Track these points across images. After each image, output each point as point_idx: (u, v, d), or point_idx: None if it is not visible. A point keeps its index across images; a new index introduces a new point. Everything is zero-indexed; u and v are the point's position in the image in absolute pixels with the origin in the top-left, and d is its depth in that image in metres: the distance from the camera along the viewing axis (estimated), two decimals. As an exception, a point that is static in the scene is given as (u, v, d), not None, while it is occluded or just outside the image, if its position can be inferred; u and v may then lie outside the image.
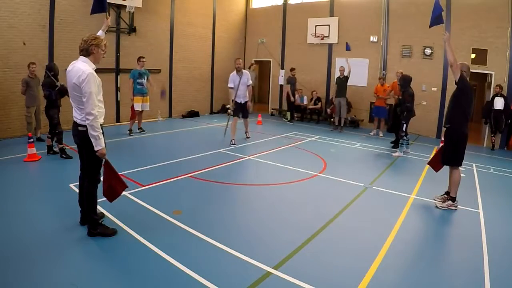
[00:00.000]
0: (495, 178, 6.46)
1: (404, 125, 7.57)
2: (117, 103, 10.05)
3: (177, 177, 5.45)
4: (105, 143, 3.28)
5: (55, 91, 6.07)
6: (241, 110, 8.05)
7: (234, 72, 7.89)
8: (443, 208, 4.60)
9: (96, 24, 9.14)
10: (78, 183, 3.67)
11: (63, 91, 6.09)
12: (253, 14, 14.28)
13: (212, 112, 13.25)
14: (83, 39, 3.22)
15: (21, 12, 7.66)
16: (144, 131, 8.86)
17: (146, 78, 8.49)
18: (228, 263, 3.10)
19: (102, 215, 3.82)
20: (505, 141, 9.20)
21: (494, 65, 9.10)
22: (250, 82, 8.05)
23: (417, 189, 5.42)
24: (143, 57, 8.52)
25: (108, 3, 9.10)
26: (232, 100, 7.97)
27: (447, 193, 4.77)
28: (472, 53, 9.34)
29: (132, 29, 9.93)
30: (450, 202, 4.62)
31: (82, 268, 2.96)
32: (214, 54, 13.06)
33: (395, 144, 8.31)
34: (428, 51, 10.08)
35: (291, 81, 11.66)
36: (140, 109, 8.52)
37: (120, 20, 9.62)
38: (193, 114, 12.17)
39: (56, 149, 6.39)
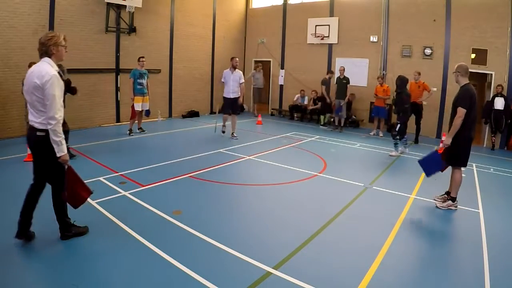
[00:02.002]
0: (495, 178, 6.46)
1: (398, 125, 7.50)
2: (117, 103, 10.05)
3: (177, 177, 5.45)
4: (67, 148, 3.11)
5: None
6: (231, 106, 8.43)
7: (228, 69, 8.42)
8: (443, 208, 4.60)
9: (96, 24, 9.18)
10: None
11: (72, 89, 6.18)
12: (253, 14, 14.28)
13: (212, 112, 13.25)
14: (39, 41, 3.01)
15: (21, 12, 7.66)
16: (144, 131, 8.86)
17: (146, 78, 8.50)
18: (228, 263, 3.10)
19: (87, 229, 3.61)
20: (505, 141, 9.20)
21: (494, 65, 9.10)
22: (242, 80, 8.48)
23: (417, 189, 5.42)
24: (143, 57, 8.52)
25: (108, 3, 9.16)
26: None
27: (448, 193, 4.76)
28: (472, 53, 9.33)
29: (132, 29, 9.92)
30: (450, 202, 4.62)
31: (82, 268, 2.96)
32: (214, 54, 13.06)
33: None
34: (428, 51, 10.07)
35: (326, 83, 11.01)
36: (140, 109, 8.53)
37: (120, 20, 9.61)
38: (193, 114, 12.17)
39: None
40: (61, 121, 2.97)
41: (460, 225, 4.29)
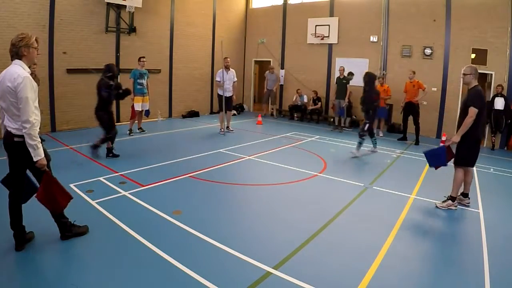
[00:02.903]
0: (495, 178, 6.45)
1: (367, 125, 7.30)
2: (117, 103, 10.03)
3: (177, 177, 5.45)
4: (45, 152, 2.99)
5: (113, 91, 6.06)
6: (226, 104, 9.10)
7: (222, 69, 8.98)
8: (443, 208, 4.60)
9: (96, 24, 9.18)
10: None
11: (125, 92, 6.27)
12: (253, 14, 14.28)
13: (212, 112, 13.24)
14: (11, 43, 2.90)
15: (21, 12, 7.66)
16: (144, 131, 8.86)
17: (146, 78, 8.51)
18: (228, 263, 3.10)
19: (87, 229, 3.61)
20: (505, 141, 9.20)
21: (494, 65, 9.09)
22: (235, 79, 9.28)
23: (417, 189, 5.42)
24: (144, 57, 8.53)
25: (108, 3, 9.16)
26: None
27: (464, 194, 4.77)
28: (472, 53, 9.33)
29: (132, 29, 9.91)
30: (450, 202, 4.62)
31: (82, 268, 2.97)
32: (214, 54, 13.06)
33: (403, 139, 9.25)
34: (428, 51, 10.07)
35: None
36: (140, 109, 8.53)
37: (120, 20, 9.61)
38: (193, 114, 12.17)
39: (114, 151, 6.46)
40: (37, 124, 2.87)
41: (460, 225, 4.29)
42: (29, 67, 3.00)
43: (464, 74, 4.53)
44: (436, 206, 4.66)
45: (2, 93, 2.85)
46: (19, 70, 2.84)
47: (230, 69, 9.10)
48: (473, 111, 4.29)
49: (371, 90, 7.31)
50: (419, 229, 4.11)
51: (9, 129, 2.93)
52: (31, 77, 2.89)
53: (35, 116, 2.86)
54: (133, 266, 2.99)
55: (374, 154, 7.79)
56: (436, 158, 4.69)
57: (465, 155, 4.52)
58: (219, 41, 13.08)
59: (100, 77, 6.11)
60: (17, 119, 2.85)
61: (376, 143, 7.89)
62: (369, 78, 7.35)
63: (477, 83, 4.50)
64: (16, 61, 2.91)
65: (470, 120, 4.31)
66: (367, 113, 7.45)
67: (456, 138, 4.46)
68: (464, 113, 4.43)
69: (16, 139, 2.89)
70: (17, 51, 2.89)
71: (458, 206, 4.63)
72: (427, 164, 4.88)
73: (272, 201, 4.76)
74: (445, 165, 4.69)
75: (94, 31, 9.15)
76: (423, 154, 4.90)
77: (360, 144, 7.40)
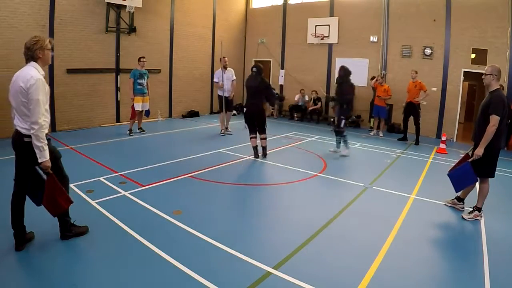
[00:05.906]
0: (495, 178, 6.39)
1: (343, 121, 7.04)
2: (117, 103, 10.06)
3: (177, 177, 5.45)
4: (54, 150, 3.04)
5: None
6: (225, 104, 9.04)
7: (219, 69, 8.99)
8: (470, 219, 4.35)
9: (96, 24, 9.18)
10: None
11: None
12: (253, 14, 14.29)
13: (212, 112, 13.25)
14: (25, 46, 2.95)
15: (21, 12, 7.66)
16: (144, 131, 8.86)
17: (146, 78, 8.51)
18: (228, 263, 3.10)
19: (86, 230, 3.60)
20: (505, 141, 9.20)
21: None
22: (234, 77, 9.15)
23: (417, 189, 5.42)
24: (144, 57, 8.53)
25: (108, 3, 9.16)
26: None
27: (458, 198, 4.69)
28: (472, 53, 9.34)
29: (132, 29, 9.92)
30: (477, 212, 4.36)
31: (82, 267, 2.97)
32: (214, 54, 13.06)
33: (403, 139, 9.21)
34: (428, 51, 10.08)
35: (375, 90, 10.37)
36: (140, 109, 8.53)
37: (120, 20, 9.62)
38: (193, 114, 12.18)
39: None
40: (46, 126, 2.89)
41: (460, 225, 4.28)
42: None
43: (485, 74, 4.23)
44: (463, 218, 4.39)
45: (14, 93, 2.90)
46: (32, 71, 2.88)
47: (228, 68, 9.07)
48: (495, 120, 3.97)
49: (346, 83, 7.11)
50: (419, 230, 4.11)
51: (18, 128, 2.96)
52: (44, 80, 2.93)
53: (44, 118, 2.88)
54: (133, 266, 2.99)
55: (374, 154, 7.78)
56: (463, 179, 4.36)
57: (488, 166, 4.26)
58: (219, 41, 13.09)
59: (254, 75, 6.22)
60: (26, 119, 2.89)
61: (340, 144, 7.45)
62: (345, 71, 7.19)
63: (498, 86, 4.20)
64: (31, 63, 2.95)
65: (493, 129, 3.98)
66: (341, 107, 7.13)
67: (480, 151, 4.10)
68: (483, 119, 4.11)
69: (25, 139, 2.92)
70: (32, 54, 2.94)
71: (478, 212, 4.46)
72: (428, 165, 4.79)
73: (272, 201, 4.77)
74: (477, 180, 4.38)
75: (94, 31, 9.15)
76: (448, 177, 4.52)
77: (345, 141, 7.22)
